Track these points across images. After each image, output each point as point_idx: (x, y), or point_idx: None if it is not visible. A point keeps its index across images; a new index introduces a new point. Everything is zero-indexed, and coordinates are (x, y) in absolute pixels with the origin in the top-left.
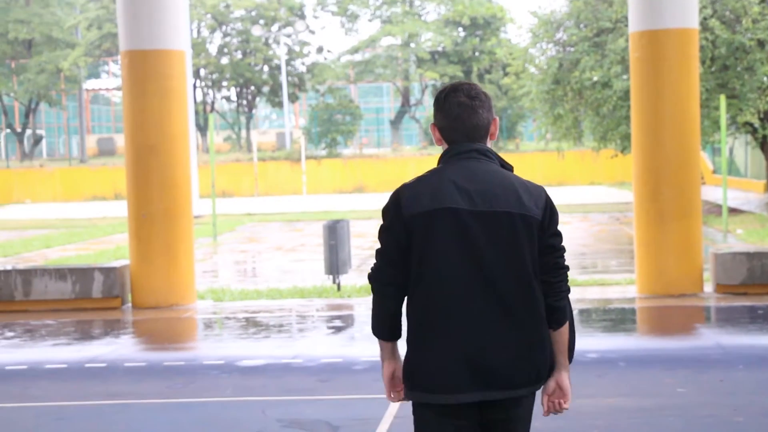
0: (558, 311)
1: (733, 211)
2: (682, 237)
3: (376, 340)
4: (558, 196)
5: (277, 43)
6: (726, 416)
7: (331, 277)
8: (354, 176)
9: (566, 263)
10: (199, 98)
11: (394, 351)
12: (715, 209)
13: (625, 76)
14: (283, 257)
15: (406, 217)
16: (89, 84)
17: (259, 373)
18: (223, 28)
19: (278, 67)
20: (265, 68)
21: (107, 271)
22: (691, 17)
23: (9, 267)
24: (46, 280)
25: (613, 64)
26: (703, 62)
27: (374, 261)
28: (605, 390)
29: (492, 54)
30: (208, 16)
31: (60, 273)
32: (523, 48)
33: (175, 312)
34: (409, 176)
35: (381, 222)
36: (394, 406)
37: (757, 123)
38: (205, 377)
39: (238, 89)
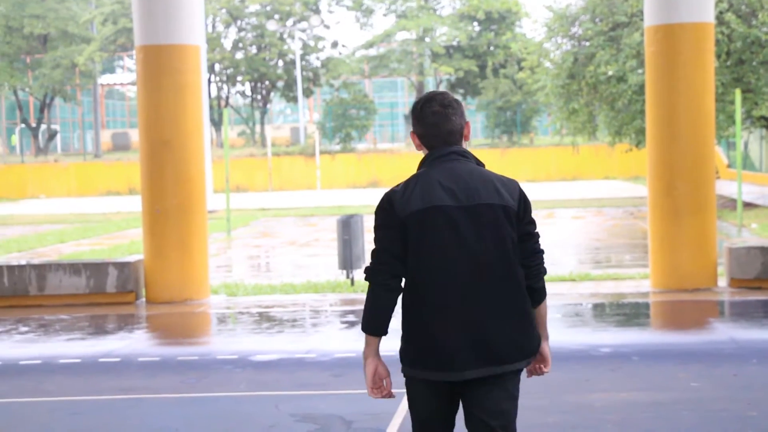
0: (538, 291)
1: (747, 205)
2: (696, 231)
3: (389, 335)
4: (572, 190)
5: (292, 37)
6: (740, 411)
7: (344, 271)
8: (368, 171)
9: (542, 248)
10: (214, 93)
11: (378, 348)
12: (729, 204)
13: (640, 71)
14: (296, 252)
15: (401, 217)
16: (104, 79)
17: (272, 367)
18: (238, 23)
19: (293, 62)
20: (280, 63)
21: (121, 266)
22: (706, 11)
23: (23, 262)
24: (60, 275)
25: (629, 59)
26: (718, 56)
27: (370, 260)
28: (619, 384)
29: (507, 48)
30: (223, 11)
31: (74, 268)
32: (538, 42)
33: (188, 307)
34: None
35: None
36: (406, 402)
37: None
38: (218, 372)
39: (253, 84)
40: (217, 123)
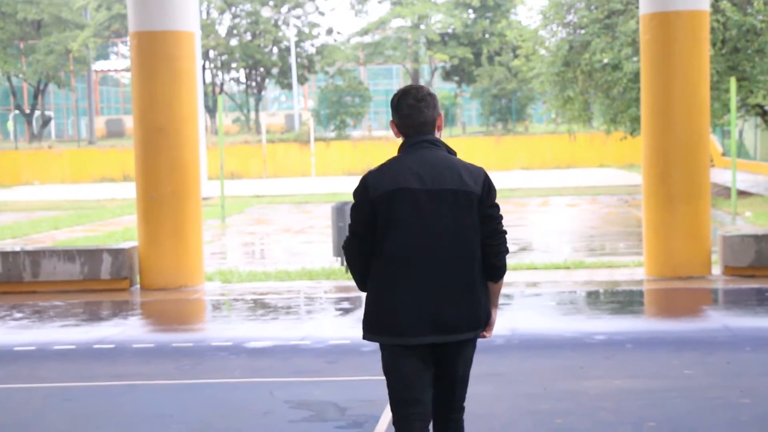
0: (498, 269)
1: (742, 193)
2: (690, 219)
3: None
4: (567, 178)
5: (287, 24)
6: (733, 398)
7: (339, 259)
8: (363, 158)
9: (504, 229)
10: (208, 80)
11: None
12: (724, 192)
13: (635, 58)
14: (291, 239)
15: (372, 196)
16: (98, 65)
17: (267, 354)
18: (233, 9)
19: (287, 49)
20: (275, 50)
21: (116, 253)
22: None
23: (17, 248)
24: (54, 262)
25: (624, 46)
26: (713, 44)
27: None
28: (613, 372)
29: (502, 36)
30: None
31: (68, 254)
32: (533, 30)
33: (183, 293)
34: None
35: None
36: None
37: (767, 105)
38: (213, 358)
39: (247, 71)
40: (211, 110)
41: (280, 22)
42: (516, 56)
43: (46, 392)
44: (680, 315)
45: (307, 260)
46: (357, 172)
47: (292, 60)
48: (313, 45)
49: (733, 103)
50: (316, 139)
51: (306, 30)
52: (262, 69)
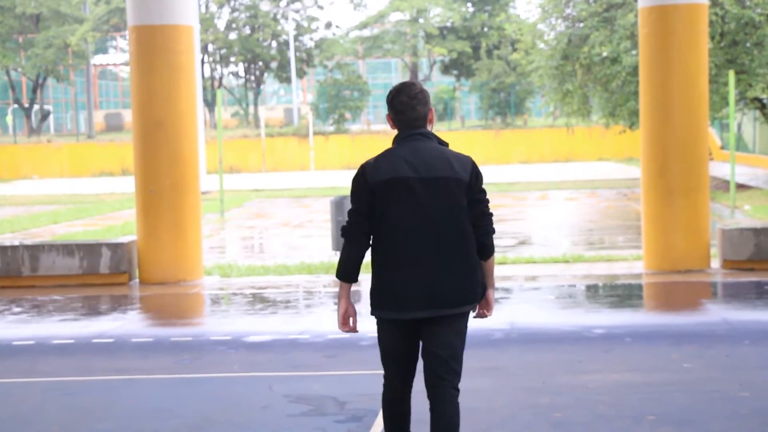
0: (486, 247)
1: (740, 186)
2: (689, 213)
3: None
4: (566, 172)
5: (286, 18)
6: (732, 391)
7: (338, 253)
8: (362, 152)
9: (490, 211)
10: (207, 74)
11: (349, 292)
12: (722, 185)
13: (634, 52)
14: (290, 233)
15: (371, 184)
16: (97, 59)
17: (265, 348)
18: (231, 3)
19: (286, 43)
20: (273, 44)
21: (114, 247)
22: None
23: (16, 242)
24: (53, 256)
25: (623, 40)
26: (712, 37)
27: (346, 219)
28: (612, 365)
29: (501, 29)
30: None
31: (67, 249)
32: (532, 23)
33: (182, 288)
34: None
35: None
36: None
37: (766, 98)
38: (212, 353)
39: (246, 65)
40: (210, 104)
41: (278, 16)
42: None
43: (45, 386)
44: (679, 308)
45: (306, 254)
46: (356, 166)
47: (291, 54)
48: (311, 39)
49: (732, 96)
50: (315, 133)
51: (305, 24)
52: (260, 63)
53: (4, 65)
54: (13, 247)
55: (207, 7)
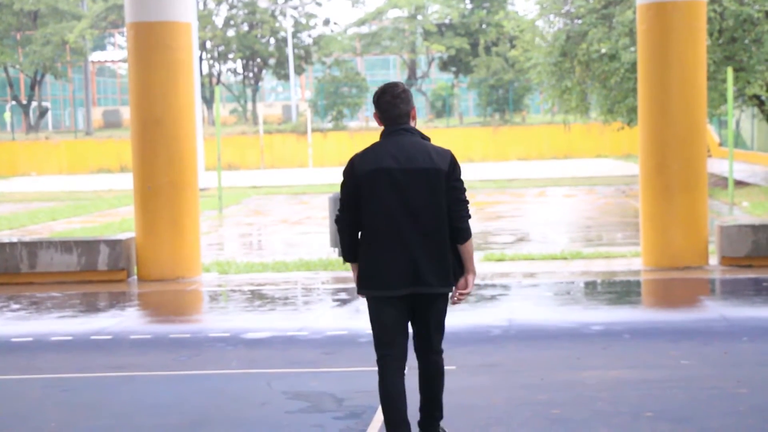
0: (462, 231)
1: (739, 183)
2: (687, 210)
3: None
4: (564, 168)
5: (284, 15)
6: (730, 388)
7: (336, 249)
8: (360, 149)
9: (466, 198)
10: (205, 71)
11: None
12: (721, 182)
13: (632, 49)
14: (288, 230)
15: (358, 174)
16: (95, 56)
17: (264, 345)
18: (229, 0)
19: (284, 40)
20: (272, 41)
21: (113, 244)
22: None
23: (14, 239)
24: (51, 253)
25: (621, 36)
26: (710, 34)
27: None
28: (610, 362)
29: (499, 26)
30: None
31: (65, 245)
32: (530, 20)
33: (180, 284)
34: None
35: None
36: None
37: (764, 95)
38: (210, 349)
39: (244, 62)
40: (208, 101)
41: (276, 13)
42: (513, 47)
43: (43, 383)
44: (677, 305)
45: (305, 251)
46: None
47: (289, 51)
48: (310, 35)
49: (730, 93)
50: (314, 130)
51: (303, 20)
52: (259, 60)
53: (2, 62)
54: (11, 244)
55: (205, 4)
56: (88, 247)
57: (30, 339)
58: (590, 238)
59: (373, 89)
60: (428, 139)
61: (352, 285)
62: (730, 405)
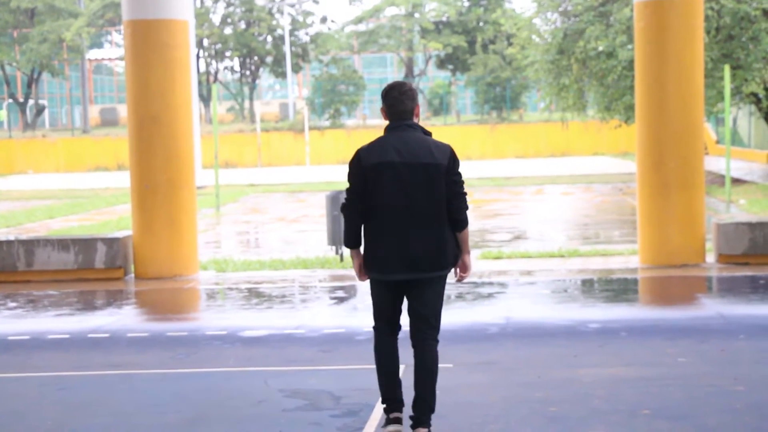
0: (460, 221)
1: (736, 181)
2: (685, 207)
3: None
4: (561, 166)
5: (281, 12)
6: (727, 386)
7: (333, 247)
8: (357, 147)
9: (464, 191)
10: (202, 68)
11: (359, 253)
12: (718, 180)
13: (630, 46)
14: (285, 228)
15: (364, 167)
16: (92, 54)
17: (261, 343)
18: None
19: (282, 38)
20: (269, 38)
21: (110, 242)
22: None
23: (11, 237)
24: (48, 251)
25: (618, 34)
26: (707, 32)
27: (345, 196)
28: (607, 360)
29: (496, 24)
30: None
31: (63, 243)
32: (527, 18)
33: (177, 283)
34: None
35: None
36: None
37: (761, 93)
38: (207, 348)
39: (242, 59)
40: (205, 99)
41: (274, 11)
42: (510, 44)
43: (40, 381)
44: (674, 303)
45: (302, 249)
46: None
47: (287, 49)
48: (307, 33)
49: (727, 90)
50: (311, 128)
51: (300, 18)
52: (256, 58)
53: None
54: (8, 242)
55: (202, 1)
56: (85, 245)
57: (27, 337)
58: (587, 235)
59: (371, 87)
60: (430, 135)
61: (350, 283)
62: (727, 402)
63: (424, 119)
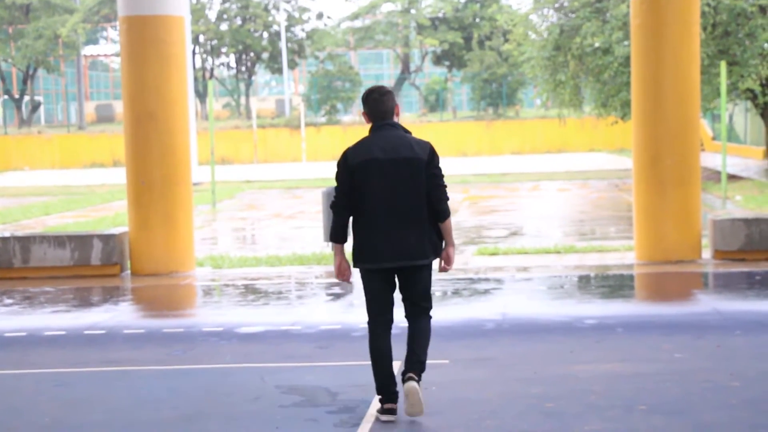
0: (441, 211)
1: (732, 177)
2: (681, 203)
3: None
4: (557, 163)
5: (277, 9)
6: (723, 382)
7: (330, 244)
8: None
9: (444, 183)
10: (198, 65)
11: (342, 250)
12: (714, 176)
13: (626, 42)
14: (282, 224)
15: (351, 165)
16: (87, 50)
17: (258, 339)
18: None
19: (278, 34)
20: (265, 35)
21: (106, 238)
22: None
23: (7, 234)
24: (44, 247)
25: (615, 30)
26: (704, 28)
27: (333, 195)
28: (603, 356)
29: (493, 20)
30: None
31: (59, 240)
32: (523, 14)
33: (174, 279)
34: None
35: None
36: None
37: (757, 89)
38: (204, 344)
39: (238, 56)
40: (201, 95)
41: (270, 7)
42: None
43: (37, 378)
44: (670, 299)
45: (298, 245)
46: None
47: (283, 45)
48: (303, 30)
49: (724, 87)
50: (307, 124)
51: (296, 14)
52: (252, 54)
53: None
54: (4, 239)
55: None
56: (81, 241)
57: (23, 334)
58: (584, 232)
59: (367, 83)
60: (410, 133)
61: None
62: (723, 398)
63: (420, 116)
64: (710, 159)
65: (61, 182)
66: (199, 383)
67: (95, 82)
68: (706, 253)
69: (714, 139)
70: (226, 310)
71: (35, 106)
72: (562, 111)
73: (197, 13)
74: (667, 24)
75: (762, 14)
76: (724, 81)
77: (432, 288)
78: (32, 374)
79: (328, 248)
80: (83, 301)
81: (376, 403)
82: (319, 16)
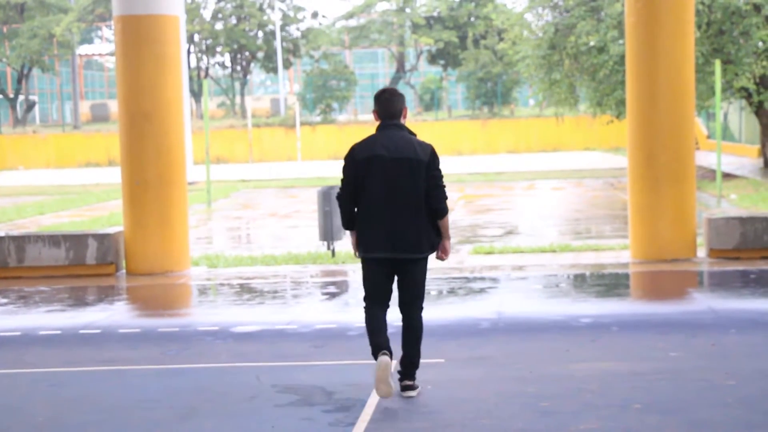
0: (439, 210)
1: (727, 176)
2: (676, 202)
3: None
4: (552, 161)
5: (272, 8)
6: (718, 380)
7: (325, 243)
8: (349, 142)
9: (443, 184)
10: (193, 64)
11: (355, 234)
12: (709, 174)
13: (621, 41)
14: (277, 223)
15: (357, 160)
16: (82, 49)
17: (253, 339)
18: None
19: (273, 33)
20: (260, 34)
21: (101, 238)
22: None
23: (2, 233)
24: (39, 247)
25: (610, 29)
26: (698, 27)
27: (340, 187)
28: (598, 354)
29: (488, 19)
30: None
31: (54, 239)
32: (518, 13)
33: (169, 278)
34: None
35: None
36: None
37: (752, 88)
38: (199, 343)
39: (233, 55)
40: (196, 94)
41: (265, 6)
42: (501, 39)
43: (31, 377)
44: (666, 297)
45: (294, 245)
46: (343, 156)
47: (278, 44)
48: (298, 29)
49: (718, 85)
50: (302, 124)
51: (291, 14)
52: (247, 53)
53: None
54: None
55: None
56: (76, 241)
57: (18, 333)
58: (579, 230)
59: (362, 83)
60: (414, 135)
61: (342, 278)
62: (718, 397)
63: (416, 114)
64: (705, 157)
65: (56, 182)
66: (194, 383)
67: (90, 81)
68: (701, 252)
69: (709, 137)
70: (222, 310)
71: (30, 106)
72: (557, 110)
73: (192, 12)
74: (662, 23)
75: (756, 12)
76: (718, 79)
77: (427, 286)
78: (27, 374)
79: (323, 247)
80: (78, 300)
81: (372, 403)
82: (314, 15)
